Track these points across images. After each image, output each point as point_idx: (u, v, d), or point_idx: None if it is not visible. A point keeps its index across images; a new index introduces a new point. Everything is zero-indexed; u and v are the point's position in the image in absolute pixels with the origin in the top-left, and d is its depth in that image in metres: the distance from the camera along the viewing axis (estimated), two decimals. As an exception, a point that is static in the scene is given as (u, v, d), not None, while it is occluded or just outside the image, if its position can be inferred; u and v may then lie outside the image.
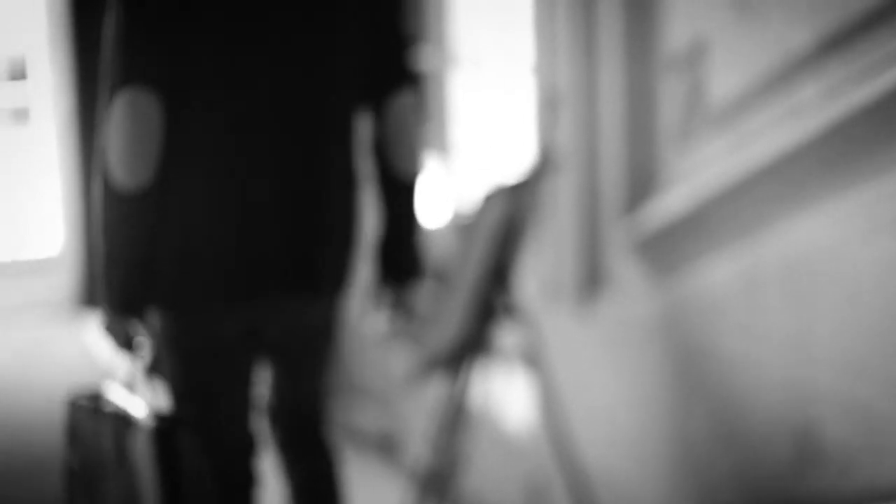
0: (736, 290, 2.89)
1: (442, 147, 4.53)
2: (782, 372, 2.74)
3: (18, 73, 7.18)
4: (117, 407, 2.31)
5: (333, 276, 2.49)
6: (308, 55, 2.34)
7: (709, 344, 3.01)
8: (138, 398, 2.32)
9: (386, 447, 4.87)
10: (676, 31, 3.18)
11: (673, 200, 3.13)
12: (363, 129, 2.51)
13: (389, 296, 2.64)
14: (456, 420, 3.39)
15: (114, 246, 2.26)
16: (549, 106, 3.55)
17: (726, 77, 2.98)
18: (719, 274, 2.96)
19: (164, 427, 2.22)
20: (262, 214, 2.36)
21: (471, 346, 3.32)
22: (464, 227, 3.72)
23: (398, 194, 2.57)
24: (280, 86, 2.33)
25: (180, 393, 2.44)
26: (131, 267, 2.26)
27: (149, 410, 2.26)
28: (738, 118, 2.92)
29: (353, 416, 5.13)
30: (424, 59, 4.63)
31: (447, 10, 4.46)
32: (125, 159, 2.21)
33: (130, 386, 2.35)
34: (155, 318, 2.39)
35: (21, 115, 7.21)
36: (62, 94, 6.60)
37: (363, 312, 2.67)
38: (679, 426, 3.18)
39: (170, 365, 2.42)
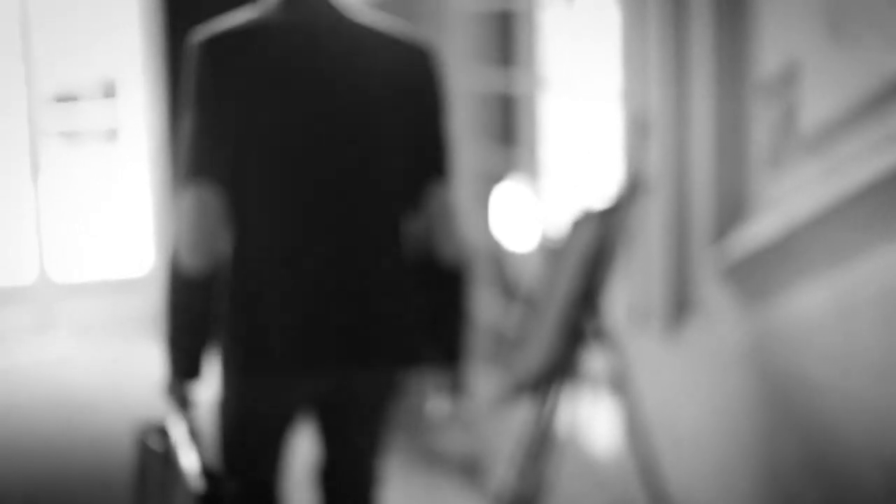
0: (827, 317, 2.89)
1: (531, 171, 4.56)
2: (873, 402, 2.74)
3: (110, 94, 7.34)
4: (175, 455, 2.54)
5: (386, 353, 2.69)
6: (354, 154, 2.59)
7: (799, 372, 3.01)
8: (193, 454, 2.50)
9: (470, 471, 4.89)
10: (768, 55, 3.19)
11: (763, 226, 3.14)
12: (409, 219, 2.72)
13: (443, 379, 2.82)
14: (542, 445, 3.41)
15: (177, 320, 2.59)
16: (638, 130, 3.57)
17: (819, 101, 2.98)
18: (810, 301, 2.96)
19: (210, 486, 2.40)
20: (316, 295, 2.60)
21: (558, 371, 3.34)
22: (552, 252, 3.75)
23: (442, 282, 2.74)
24: (330, 182, 2.59)
25: (227, 453, 2.72)
26: (192, 339, 2.60)
27: (200, 467, 2.44)
28: (830, 143, 2.93)
29: (437, 438, 5.17)
30: (515, 82, 4.68)
31: (537, 34, 4.50)
32: (190, 246, 2.53)
33: (187, 442, 2.54)
34: (214, 383, 2.67)
35: (112, 134, 7.36)
36: (152, 114, 6.73)
37: (424, 397, 2.80)
38: (767, 455, 3.18)
39: (220, 427, 2.71)
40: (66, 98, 7.38)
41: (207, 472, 2.41)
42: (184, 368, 2.62)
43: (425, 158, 2.67)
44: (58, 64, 7.29)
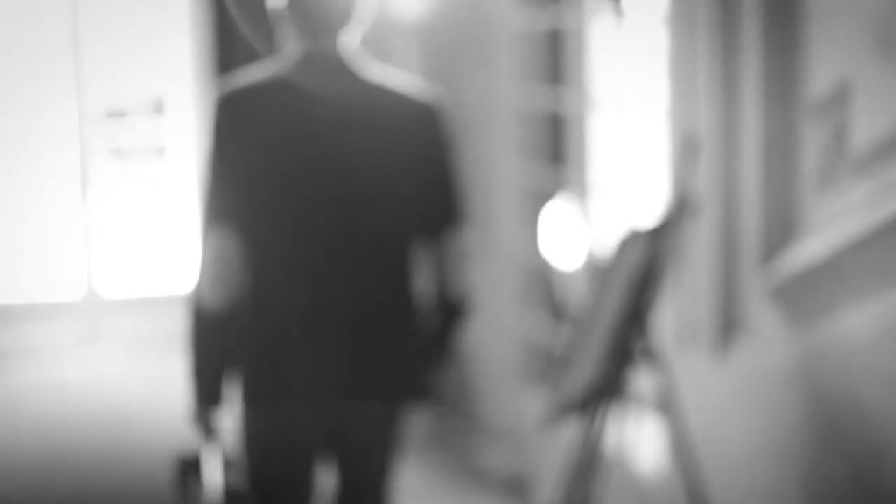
0: (877, 338, 2.89)
1: (580, 190, 4.58)
2: (923, 423, 2.74)
3: (158, 110, 7.42)
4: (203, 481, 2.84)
5: (391, 386, 2.90)
6: (363, 204, 2.79)
7: (848, 393, 3.02)
8: (219, 478, 2.82)
9: (516, 490, 4.91)
10: (819, 74, 3.20)
11: (812, 246, 3.14)
12: (420, 259, 2.92)
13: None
14: (588, 464, 3.43)
15: (200, 351, 2.83)
16: (688, 150, 3.59)
17: (869, 121, 2.99)
18: (859, 322, 2.96)
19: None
20: (326, 331, 2.81)
21: (605, 391, 3.36)
22: (600, 271, 3.77)
23: (447, 313, 2.96)
24: (340, 228, 2.79)
25: (251, 479, 2.90)
26: (213, 369, 2.84)
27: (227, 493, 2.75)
28: (880, 163, 2.93)
29: (483, 457, 5.19)
30: (564, 101, 4.70)
31: (586, 53, 4.52)
32: (211, 286, 2.78)
33: (215, 467, 2.84)
34: (235, 412, 2.89)
35: (160, 151, 7.44)
36: (201, 131, 6.80)
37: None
38: (815, 476, 3.18)
39: (243, 453, 2.91)
40: (115, 115, 7.47)
41: (234, 498, 2.72)
42: (207, 396, 2.85)
43: (433, 208, 2.87)
44: (108, 81, 7.38)
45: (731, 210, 3.49)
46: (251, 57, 5.90)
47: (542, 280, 5.11)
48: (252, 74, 2.79)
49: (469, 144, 5.49)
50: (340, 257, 2.78)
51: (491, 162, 5.27)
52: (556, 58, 4.85)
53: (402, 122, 2.79)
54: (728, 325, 3.54)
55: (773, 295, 3.33)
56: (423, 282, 2.92)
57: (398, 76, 2.86)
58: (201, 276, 2.79)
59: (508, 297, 5.19)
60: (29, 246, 7.50)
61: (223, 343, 2.83)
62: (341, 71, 2.76)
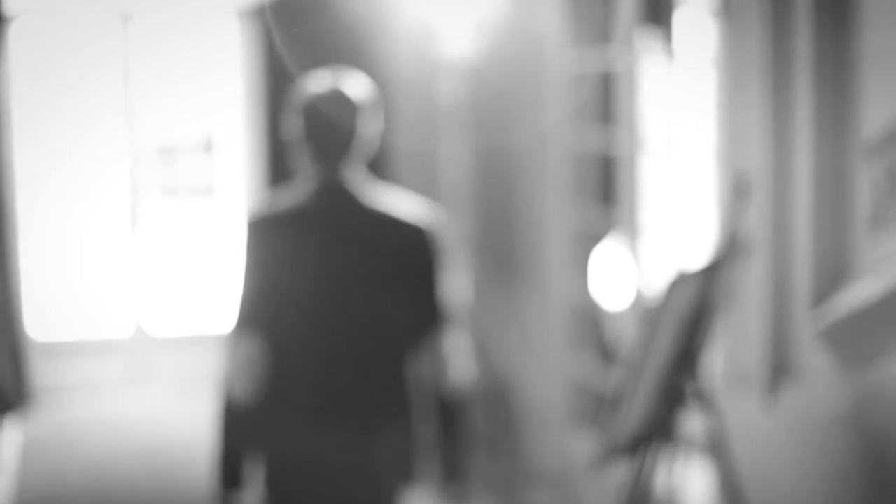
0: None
1: (631, 230, 4.61)
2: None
3: (208, 150, 7.51)
4: None
5: (387, 469, 3.32)
6: (365, 309, 3.29)
7: (900, 437, 3.02)
8: None
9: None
10: (872, 114, 3.21)
11: (865, 289, 3.15)
12: (415, 357, 3.37)
13: (450, 492, 3.40)
14: (638, 506, 3.44)
15: (227, 439, 3.28)
16: (738, 191, 3.62)
17: (922, 165, 3.00)
18: (912, 365, 2.97)
19: None
20: (333, 418, 3.30)
21: (656, 433, 3.37)
22: (651, 312, 3.79)
23: (443, 413, 3.38)
24: (347, 331, 3.29)
25: None
26: (238, 455, 3.29)
27: None
28: (933, 207, 2.94)
29: (531, 499, 5.20)
30: (615, 142, 4.73)
31: (637, 94, 4.55)
32: (240, 382, 3.26)
33: None
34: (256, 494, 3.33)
35: (209, 190, 7.52)
36: (249, 170, 6.87)
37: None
38: (868, 521, 3.18)
39: None
40: (166, 154, 7.57)
41: None
42: (230, 481, 3.30)
43: (424, 313, 3.33)
44: (159, 120, 7.48)
45: (783, 252, 3.50)
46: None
47: (592, 321, 5.13)
48: (277, 202, 3.38)
49: (520, 185, 5.53)
50: (348, 357, 3.30)
51: (542, 202, 5.31)
52: (607, 99, 4.89)
53: (396, 244, 3.34)
54: (779, 368, 3.55)
55: (825, 337, 3.34)
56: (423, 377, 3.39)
57: (397, 201, 3.37)
58: (230, 371, 3.27)
59: (558, 337, 5.21)
60: (80, 283, 7.60)
61: (247, 431, 3.30)
62: (347, 201, 3.32)
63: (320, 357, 3.30)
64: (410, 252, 3.33)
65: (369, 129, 3.36)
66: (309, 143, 3.32)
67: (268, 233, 3.31)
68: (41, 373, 6.63)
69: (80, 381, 6.80)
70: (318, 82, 3.38)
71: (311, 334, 3.29)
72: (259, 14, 6.40)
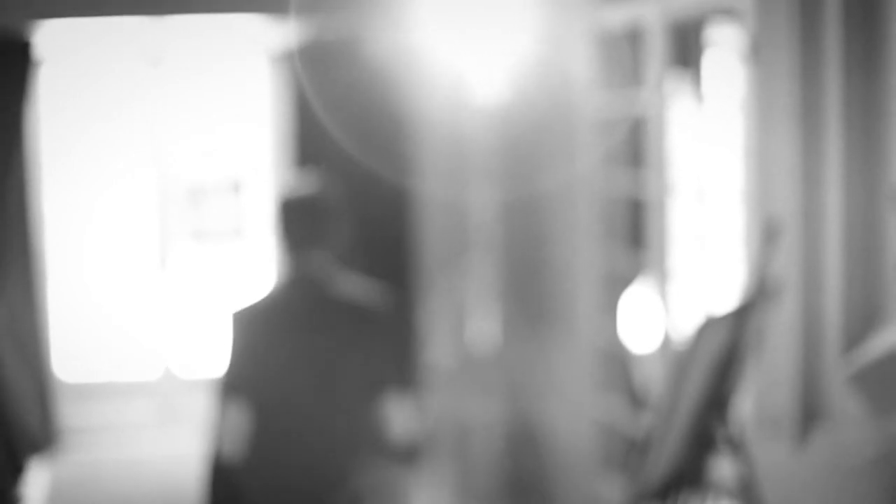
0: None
1: (660, 274, 4.63)
2: None
3: (236, 192, 7.57)
4: None
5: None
6: (331, 378, 4.04)
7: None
8: None
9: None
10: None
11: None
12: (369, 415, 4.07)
13: None
14: (667, 551, 3.44)
15: (216, 489, 4.00)
16: (768, 234, 3.63)
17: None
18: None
19: None
20: (305, 470, 4.03)
21: (686, 478, 3.38)
22: (680, 356, 3.81)
23: (393, 458, 4.07)
24: (318, 397, 4.03)
25: None
26: (223, 498, 4.02)
27: None
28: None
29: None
30: (644, 186, 4.75)
31: (667, 138, 4.58)
32: (229, 441, 3.99)
33: None
34: None
35: (237, 232, 7.58)
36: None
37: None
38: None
39: None
40: (194, 195, 7.63)
41: None
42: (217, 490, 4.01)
43: (380, 378, 4.06)
44: (188, 162, 7.54)
45: (813, 295, 3.51)
46: (326, 140, 6.04)
47: (621, 364, 5.14)
48: (257, 297, 4.11)
49: (550, 228, 5.56)
50: (317, 418, 4.04)
51: (571, 245, 5.33)
52: (636, 143, 4.91)
53: (355, 325, 4.08)
54: (809, 412, 3.55)
55: (855, 382, 3.34)
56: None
57: (355, 288, 4.12)
58: (222, 433, 4.00)
59: (586, 380, 5.22)
60: (108, 324, 7.65)
61: (234, 482, 4.01)
62: (313, 291, 4.07)
63: (294, 417, 4.05)
64: (366, 331, 4.08)
65: (337, 226, 4.12)
66: (284, 239, 4.09)
67: (248, 323, 4.10)
68: (68, 414, 6.67)
69: (107, 422, 6.84)
70: (293, 185, 4.20)
71: (286, 399, 4.05)
72: (289, 58, 6.46)
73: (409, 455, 4.07)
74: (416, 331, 6.18)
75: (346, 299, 4.08)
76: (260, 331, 4.08)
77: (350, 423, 4.07)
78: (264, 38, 6.64)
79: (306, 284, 4.08)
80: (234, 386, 4.02)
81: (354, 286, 4.13)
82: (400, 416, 4.05)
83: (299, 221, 4.07)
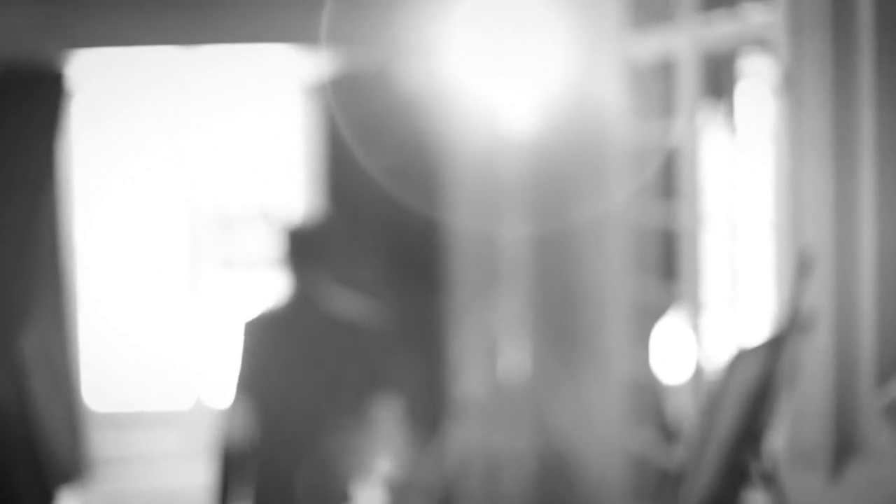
0: None
1: (693, 306, 4.63)
2: None
3: (266, 222, 7.59)
4: None
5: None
6: (326, 383, 4.70)
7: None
8: None
9: None
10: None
11: (931, 367, 3.16)
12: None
13: None
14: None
15: (225, 472, 4.66)
16: (801, 266, 3.64)
17: None
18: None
19: None
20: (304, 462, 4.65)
21: (718, 511, 3.37)
22: (712, 387, 3.81)
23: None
24: (315, 399, 4.70)
25: None
26: (231, 484, 4.68)
27: None
28: None
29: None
30: (677, 217, 4.77)
31: (700, 168, 4.59)
32: (237, 433, 4.67)
33: None
34: None
35: (268, 262, 7.60)
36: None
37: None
38: None
39: None
40: (225, 224, 7.67)
41: None
42: (224, 500, 4.68)
43: (369, 384, 4.74)
44: (218, 191, 7.59)
45: (847, 327, 3.51)
46: (357, 171, 6.08)
47: (653, 396, 5.14)
48: (266, 308, 4.77)
49: (581, 259, 5.57)
50: (315, 416, 4.68)
51: (603, 277, 5.34)
52: (668, 173, 4.93)
53: (349, 338, 4.73)
54: (843, 446, 3.55)
55: (890, 414, 3.34)
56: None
57: (349, 303, 4.82)
58: (231, 426, 4.67)
59: (617, 412, 5.22)
60: (139, 354, 7.69)
61: (240, 468, 4.66)
62: (311, 308, 4.73)
63: (290, 412, 4.70)
64: (360, 346, 4.75)
65: (332, 252, 4.79)
66: (286, 261, 4.72)
67: (257, 330, 4.73)
68: (99, 443, 6.71)
69: (138, 452, 6.88)
70: (294, 216, 4.95)
71: (289, 398, 4.69)
72: (321, 88, 6.50)
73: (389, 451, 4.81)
74: (445, 359, 6.21)
75: (339, 314, 4.74)
76: (265, 340, 4.72)
77: (341, 420, 4.72)
78: (296, 69, 6.70)
79: (304, 301, 4.72)
80: (244, 386, 4.67)
81: (347, 302, 4.84)
82: (385, 418, 4.77)
83: (298, 247, 4.70)
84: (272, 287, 5.30)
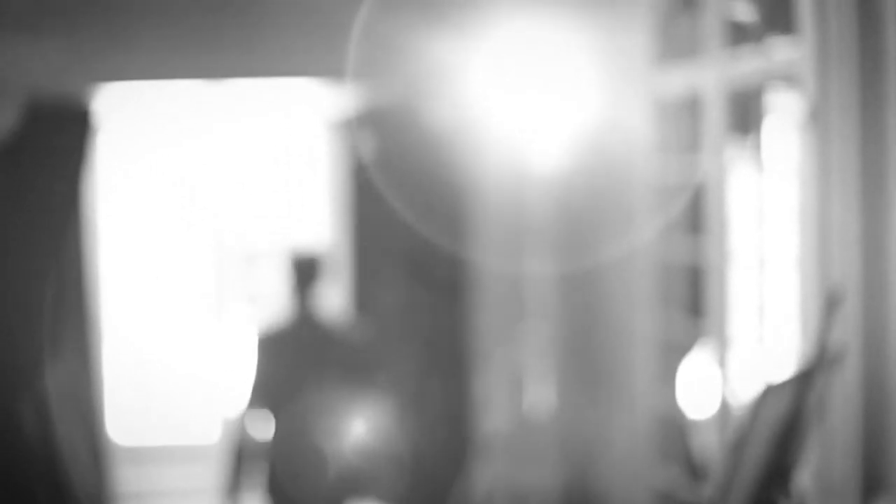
0: None
1: (720, 341, 4.64)
2: None
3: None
4: None
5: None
6: (325, 389, 5.40)
7: None
8: None
9: None
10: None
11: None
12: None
13: None
14: None
15: (234, 462, 5.43)
16: (829, 302, 3.65)
17: None
18: None
19: None
20: (307, 459, 5.43)
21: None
22: (740, 423, 3.82)
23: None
24: (317, 404, 5.38)
25: None
26: (240, 474, 5.43)
27: None
28: None
29: None
30: (704, 253, 4.78)
31: (726, 204, 4.61)
32: (248, 432, 5.45)
33: None
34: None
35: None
36: (334, 277, 6.95)
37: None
38: None
39: None
40: (251, 260, 7.71)
41: None
42: (233, 489, 5.41)
43: (362, 389, 5.50)
44: (244, 227, 7.63)
45: (874, 362, 3.51)
46: (383, 207, 6.11)
47: (679, 432, 5.14)
48: (275, 324, 5.52)
49: (608, 294, 5.59)
50: (319, 419, 5.38)
51: (629, 312, 5.36)
52: (696, 209, 4.94)
53: (344, 352, 5.52)
54: (871, 481, 3.55)
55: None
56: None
57: (343, 322, 5.66)
58: (244, 427, 5.42)
59: (643, 447, 5.23)
60: (165, 388, 7.72)
61: (249, 458, 5.42)
62: (310, 326, 5.49)
63: (299, 416, 5.38)
64: (353, 359, 5.53)
65: (329, 278, 5.64)
66: (291, 284, 5.49)
67: (267, 344, 5.49)
68: (124, 478, 6.72)
69: (163, 487, 6.89)
70: (299, 246, 5.64)
71: (295, 403, 5.37)
72: (347, 123, 6.54)
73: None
74: (470, 393, 6.22)
75: (336, 330, 5.56)
76: (272, 351, 5.49)
77: (343, 414, 5.49)
78: (322, 104, 6.74)
79: (304, 318, 5.50)
80: (259, 392, 5.44)
81: (340, 321, 5.70)
82: (364, 420, 5.55)
83: (300, 273, 5.49)
84: (280, 308, 5.63)
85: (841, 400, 3.64)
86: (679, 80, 4.96)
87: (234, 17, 6.05)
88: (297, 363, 5.49)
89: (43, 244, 6.19)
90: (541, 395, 5.84)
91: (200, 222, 7.46)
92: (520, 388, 6.12)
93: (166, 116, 7.33)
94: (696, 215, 4.96)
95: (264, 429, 5.43)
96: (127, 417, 7.37)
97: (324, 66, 6.07)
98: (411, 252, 6.37)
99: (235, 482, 5.42)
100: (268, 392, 5.45)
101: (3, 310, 6.05)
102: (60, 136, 6.17)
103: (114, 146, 7.25)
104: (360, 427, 5.52)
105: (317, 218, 7.32)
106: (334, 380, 5.47)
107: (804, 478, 3.72)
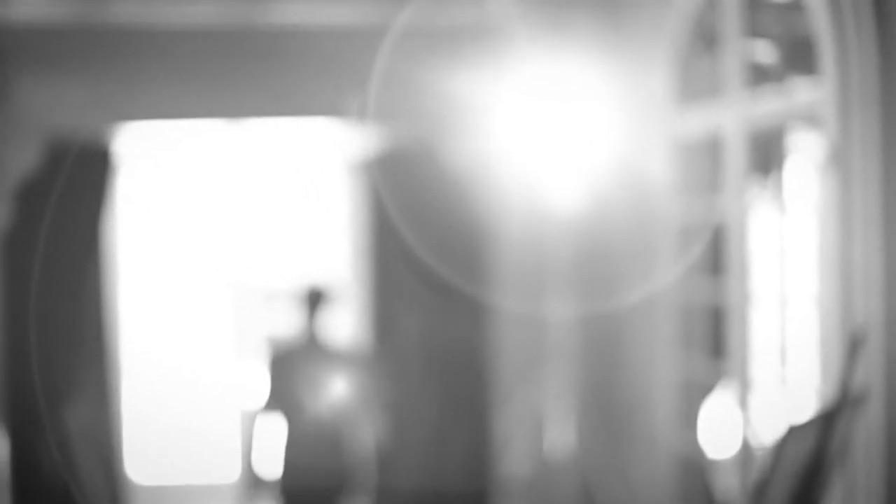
0: None
1: (741, 383, 4.64)
2: None
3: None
4: None
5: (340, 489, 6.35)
6: (324, 393, 6.14)
7: None
8: None
9: None
10: None
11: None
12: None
13: None
14: None
15: (246, 460, 6.24)
16: (852, 343, 3.65)
17: None
18: None
19: None
20: (314, 457, 6.21)
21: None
22: (763, 464, 3.82)
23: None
24: (315, 411, 6.16)
25: None
26: (253, 470, 6.23)
27: None
28: None
29: None
30: (725, 293, 4.79)
31: (747, 245, 4.62)
32: (260, 440, 6.08)
33: None
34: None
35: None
36: (354, 318, 6.97)
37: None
38: None
39: None
40: (270, 299, 7.73)
41: None
42: (255, 483, 6.10)
43: (358, 399, 6.19)
44: (263, 266, 7.66)
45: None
46: (402, 248, 6.14)
47: (701, 474, 5.14)
48: (285, 344, 6.23)
49: (628, 335, 5.59)
50: (325, 427, 6.15)
51: (650, 353, 5.36)
52: (717, 250, 4.95)
53: (342, 365, 6.19)
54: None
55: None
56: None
57: (342, 343, 6.31)
58: (257, 427, 6.11)
59: (665, 489, 5.22)
60: (184, 427, 7.73)
61: (263, 456, 6.10)
62: (314, 347, 6.16)
63: (307, 421, 6.09)
64: (349, 369, 6.18)
65: (335, 304, 6.26)
66: (301, 308, 6.17)
67: (279, 362, 6.19)
68: (142, 518, 6.74)
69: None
70: (310, 279, 6.24)
71: (298, 408, 6.09)
72: (366, 165, 6.58)
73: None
74: (491, 435, 6.22)
75: (336, 349, 6.26)
76: (283, 366, 6.20)
77: (338, 427, 6.27)
78: (342, 145, 6.78)
79: (312, 337, 6.21)
80: (273, 401, 6.16)
81: (343, 340, 6.50)
82: (366, 426, 6.32)
83: (310, 300, 6.19)
84: (291, 327, 6.40)
85: (864, 441, 3.64)
86: (700, 120, 4.98)
87: (254, 58, 6.10)
88: (303, 376, 6.20)
89: (63, 283, 6.23)
90: (561, 436, 5.83)
91: (220, 261, 7.49)
92: (540, 430, 6.12)
93: (186, 156, 7.38)
94: (716, 256, 4.97)
95: (280, 434, 6.17)
96: (146, 456, 7.38)
97: (344, 106, 6.11)
98: (430, 293, 6.40)
99: (254, 479, 6.15)
100: (281, 403, 6.16)
101: (24, 349, 6.08)
102: (81, 176, 6.22)
103: (134, 185, 7.29)
104: (359, 431, 6.24)
105: (335, 258, 7.35)
106: (337, 392, 6.16)
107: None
